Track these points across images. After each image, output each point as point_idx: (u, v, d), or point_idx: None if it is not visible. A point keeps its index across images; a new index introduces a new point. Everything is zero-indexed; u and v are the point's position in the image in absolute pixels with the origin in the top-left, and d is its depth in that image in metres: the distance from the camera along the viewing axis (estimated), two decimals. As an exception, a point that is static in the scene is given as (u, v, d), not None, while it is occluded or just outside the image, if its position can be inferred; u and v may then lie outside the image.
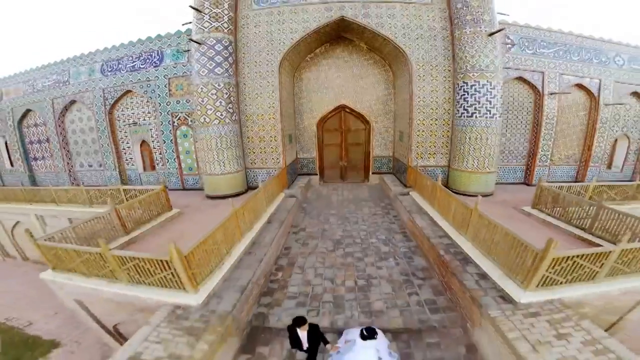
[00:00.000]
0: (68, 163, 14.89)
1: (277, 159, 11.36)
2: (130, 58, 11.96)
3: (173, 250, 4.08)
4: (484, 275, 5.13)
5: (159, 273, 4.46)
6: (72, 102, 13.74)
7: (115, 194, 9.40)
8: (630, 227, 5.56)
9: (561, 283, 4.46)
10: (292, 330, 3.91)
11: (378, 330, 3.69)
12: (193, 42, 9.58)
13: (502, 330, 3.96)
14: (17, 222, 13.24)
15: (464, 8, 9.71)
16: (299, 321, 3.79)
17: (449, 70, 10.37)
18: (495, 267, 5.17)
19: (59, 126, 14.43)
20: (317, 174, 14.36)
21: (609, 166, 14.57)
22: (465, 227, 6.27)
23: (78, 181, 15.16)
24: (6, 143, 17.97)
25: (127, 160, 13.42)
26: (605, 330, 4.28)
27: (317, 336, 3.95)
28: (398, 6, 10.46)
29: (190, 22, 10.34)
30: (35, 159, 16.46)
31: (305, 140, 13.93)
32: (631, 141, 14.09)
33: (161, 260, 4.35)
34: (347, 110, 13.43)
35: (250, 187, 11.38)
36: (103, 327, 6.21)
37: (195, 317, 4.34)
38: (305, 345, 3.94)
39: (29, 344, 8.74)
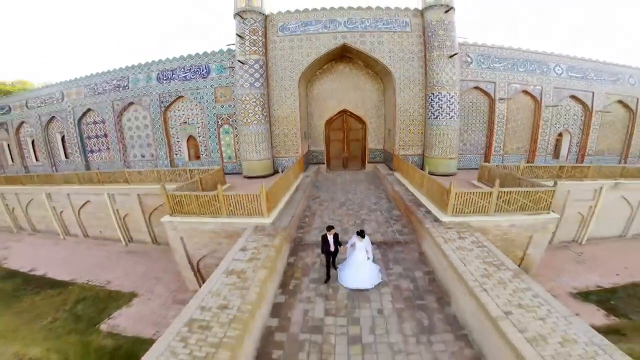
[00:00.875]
0: (123, 154, 18.52)
1: (297, 150, 15.09)
2: (183, 70, 15.58)
3: (262, 187, 7.77)
4: (428, 211, 8.90)
5: (249, 205, 8.14)
6: (130, 103, 17.34)
7: (183, 173, 13.07)
8: (505, 179, 9.31)
9: (467, 212, 8.18)
10: (324, 237, 7.34)
11: (366, 235, 7.28)
12: (239, 62, 13.23)
13: (431, 233, 7.67)
14: (87, 202, 16.81)
15: (433, 36, 13.39)
16: (330, 227, 7.29)
17: (423, 84, 14.09)
18: (434, 205, 8.95)
19: (117, 124, 18.04)
20: (324, 163, 18.08)
21: (557, 156, 18.40)
22: (422, 187, 10.04)
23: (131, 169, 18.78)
24: (62, 138, 21.56)
25: (175, 152, 17.09)
26: (518, 265, 7.86)
27: (337, 241, 7.48)
28: (385, 35, 14.13)
29: (233, 44, 13.95)
30: (92, 151, 20.07)
31: (316, 136, 17.63)
32: (572, 135, 17.92)
33: (253, 195, 8.03)
34: (348, 113, 17.14)
35: (275, 171, 15.07)
36: (190, 262, 9.67)
37: (269, 229, 8.04)
38: (332, 246, 7.37)
39: (112, 296, 11.22)
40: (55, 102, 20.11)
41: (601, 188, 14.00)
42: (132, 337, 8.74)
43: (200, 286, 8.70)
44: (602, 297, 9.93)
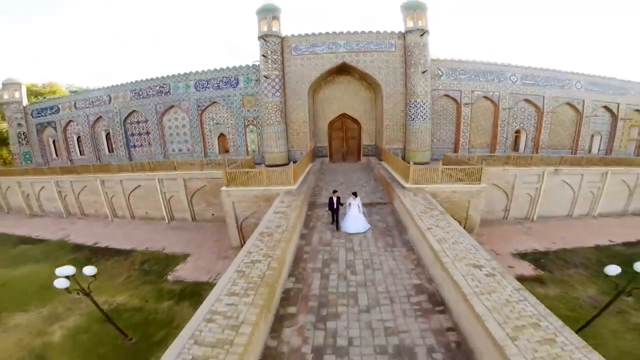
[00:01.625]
0: (163, 148, 22.66)
1: (306, 145, 19.31)
2: (216, 80, 19.72)
3: (291, 165, 12.00)
4: (399, 182, 13.18)
5: (281, 177, 12.35)
6: (171, 106, 21.45)
7: (222, 161, 17.24)
8: (456, 162, 13.57)
9: (422, 182, 12.42)
10: (330, 199, 11.64)
11: (358, 196, 11.51)
12: (264, 77, 17.39)
13: (398, 194, 11.93)
14: (138, 186, 20.92)
15: (411, 55, 17.56)
16: (334, 191, 11.57)
17: (404, 93, 18.29)
18: (402, 178, 13.29)
19: (159, 123, 22.16)
20: (328, 157, 22.28)
21: (517, 149, 22.62)
22: (397, 168, 14.33)
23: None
24: (107, 135, 25.65)
25: (209, 146, 21.25)
26: (463, 225, 12.19)
27: (339, 201, 11.70)
28: (376, 54, 18.28)
29: (257, 61, 18.06)
30: (134, 146, 24.20)
31: (320, 135, 21.82)
32: (527, 132, 22.16)
33: (285, 171, 12.25)
34: (347, 116, 21.34)
35: (290, 160, 19.24)
36: (237, 222, 13.87)
37: (295, 192, 12.33)
38: (335, 205, 11.70)
39: (169, 257, 14.56)
40: (102, 104, 24.21)
41: (543, 173, 18.28)
42: (193, 281, 12.34)
43: (242, 243, 12.98)
44: (535, 257, 13.22)
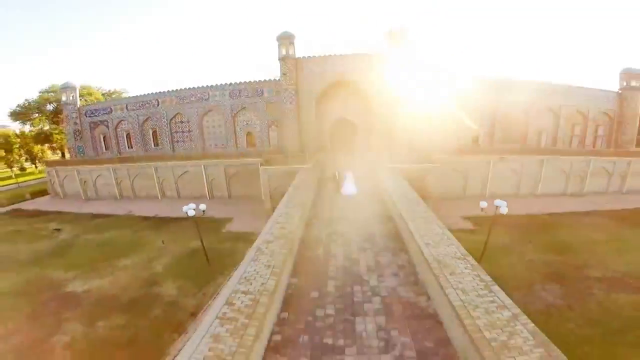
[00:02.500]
0: (202, 143, 28.87)
1: (315, 140, 25.43)
2: (246, 90, 25.88)
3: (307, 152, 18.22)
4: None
5: (300, 159, 18.55)
6: (209, 110, 27.61)
7: (252, 153, 23.44)
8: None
9: (396, 162, 18.54)
10: (333, 173, 17.87)
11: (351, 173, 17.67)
12: (284, 89, 23.55)
13: (381, 170, 18.09)
14: (185, 172, 27.18)
15: (393, 72, 23.60)
16: (337, 170, 17.78)
17: (389, 103, 24.37)
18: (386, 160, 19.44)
19: (199, 123, 28.33)
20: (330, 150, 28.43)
21: (477, 142, 28.53)
22: (382, 155, 20.50)
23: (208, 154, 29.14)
24: (154, 132, 31.84)
25: (239, 142, 27.44)
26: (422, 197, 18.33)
27: (340, 174, 17.91)
28: (367, 71, 24.33)
29: (278, 77, 24.21)
30: (177, 141, 30.39)
31: (324, 135, 27.91)
32: (485, 130, 28.11)
33: (303, 155, 18.44)
34: (345, 119, 27.41)
35: (302, 151, 25.43)
36: (269, 192, 20.13)
37: (309, 169, 18.51)
38: (338, 175, 17.85)
39: (219, 220, 20.49)
40: (152, 106, 30.41)
41: (491, 161, 24.43)
42: (242, 232, 18.76)
43: (272, 207, 19.21)
44: (476, 219, 19.44)
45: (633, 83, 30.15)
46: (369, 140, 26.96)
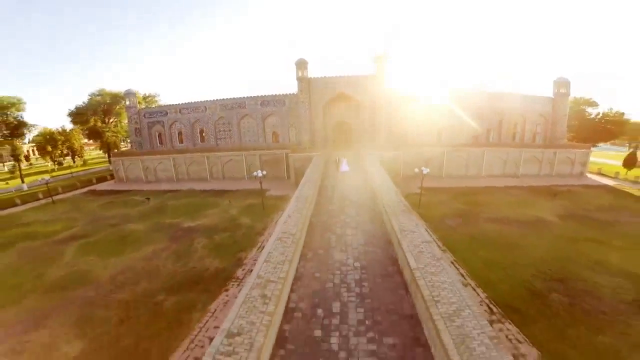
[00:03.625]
0: (239, 140, 39.47)
1: (322, 136, 35.89)
2: (273, 101, 36.33)
3: (317, 146, 28.77)
4: (372, 153, 29.94)
5: (313, 149, 29.10)
6: (245, 115, 38.10)
7: (278, 146, 34.02)
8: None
9: (379, 150, 29.04)
10: (335, 159, 28.44)
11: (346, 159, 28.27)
12: (300, 102, 33.93)
13: (368, 157, 28.61)
14: (230, 160, 37.93)
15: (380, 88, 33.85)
16: (338, 155, 28.32)
17: (372, 107, 34.61)
18: (374, 152, 30.02)
19: (237, 125, 38.89)
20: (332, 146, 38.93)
21: (440, 139, 38.97)
22: (372, 148, 31.05)
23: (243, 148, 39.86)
24: (201, 130, 42.46)
25: (266, 138, 38.00)
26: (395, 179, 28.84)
27: (339, 159, 28.50)
28: (361, 86, 34.55)
29: (295, 91, 34.58)
30: (219, 139, 41.03)
31: (329, 133, 38.30)
32: (445, 129, 38.52)
33: (315, 148, 28.98)
34: (344, 121, 37.75)
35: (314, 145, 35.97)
36: (295, 171, 30.84)
37: (319, 156, 29.10)
38: (338, 161, 28.47)
39: (260, 190, 33.26)
40: (200, 111, 40.91)
41: (445, 151, 34.83)
42: (278, 195, 29.58)
43: (296, 181, 29.90)
44: (428, 190, 30.47)
45: (562, 90, 39.98)
46: (360, 136, 37.38)
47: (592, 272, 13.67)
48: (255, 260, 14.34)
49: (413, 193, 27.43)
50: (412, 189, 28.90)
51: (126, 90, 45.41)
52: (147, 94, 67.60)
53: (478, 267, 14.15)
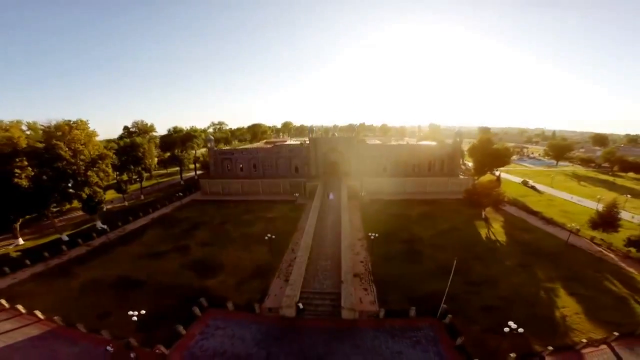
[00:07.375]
0: (276, 171, 72.19)
1: (322, 171, 68.40)
2: (296, 149, 69.19)
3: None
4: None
5: (317, 180, 61.65)
6: (280, 157, 70.73)
7: (297, 176, 66.64)
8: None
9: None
10: (325, 192, 60.80)
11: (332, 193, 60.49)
12: (310, 150, 66.54)
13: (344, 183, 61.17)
14: (271, 183, 70.67)
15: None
16: (327, 190, 60.65)
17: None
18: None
19: (275, 163, 71.56)
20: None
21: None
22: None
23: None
24: (254, 164, 75.24)
25: (291, 171, 70.65)
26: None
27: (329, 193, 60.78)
28: (341, 144, 66.95)
29: (308, 140, 67.16)
30: (265, 169, 73.84)
31: (325, 168, 70.65)
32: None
33: (318, 178, 61.54)
34: (334, 162, 70.04)
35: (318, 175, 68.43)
36: (308, 192, 63.46)
37: (319, 185, 61.71)
38: (328, 195, 60.71)
39: (300, 203, 65.78)
40: (254, 153, 73.51)
41: (385, 180, 67.69)
42: (301, 203, 62.05)
43: (311, 197, 62.40)
44: (373, 200, 63.08)
45: (457, 139, 72.12)
46: (342, 170, 69.49)
47: (415, 229, 46.40)
48: (303, 228, 47.02)
49: (364, 198, 60.22)
50: (366, 200, 61.56)
51: (207, 138, 78.22)
52: (215, 122, 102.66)
53: (372, 226, 46.80)
